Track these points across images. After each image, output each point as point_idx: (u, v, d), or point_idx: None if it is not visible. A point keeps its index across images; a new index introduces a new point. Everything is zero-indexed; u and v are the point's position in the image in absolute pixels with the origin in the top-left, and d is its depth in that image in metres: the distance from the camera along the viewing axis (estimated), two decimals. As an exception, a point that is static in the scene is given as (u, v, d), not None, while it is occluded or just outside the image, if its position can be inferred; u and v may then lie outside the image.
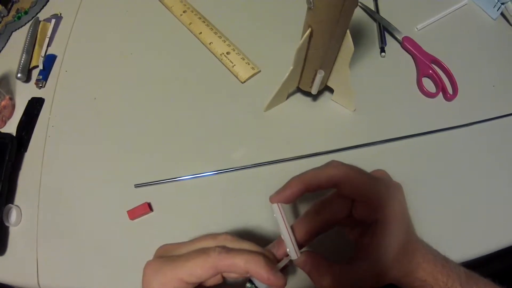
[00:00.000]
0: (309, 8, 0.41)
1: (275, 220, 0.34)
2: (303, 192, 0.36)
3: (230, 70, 0.59)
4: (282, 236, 0.35)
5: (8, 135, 0.51)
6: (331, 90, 0.56)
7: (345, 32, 0.45)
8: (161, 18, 0.65)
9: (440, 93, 0.61)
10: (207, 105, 0.57)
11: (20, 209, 0.48)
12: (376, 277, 0.35)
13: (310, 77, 0.51)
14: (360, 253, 0.36)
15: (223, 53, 0.59)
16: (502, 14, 0.72)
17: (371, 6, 0.70)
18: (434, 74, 0.61)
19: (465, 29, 0.69)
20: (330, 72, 0.52)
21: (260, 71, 0.60)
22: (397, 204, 0.35)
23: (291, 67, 0.48)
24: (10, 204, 0.47)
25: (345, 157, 0.50)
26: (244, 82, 0.59)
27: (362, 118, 0.55)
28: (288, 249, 0.35)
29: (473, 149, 0.54)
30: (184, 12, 0.65)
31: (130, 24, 0.65)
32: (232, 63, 0.59)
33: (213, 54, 0.60)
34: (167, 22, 0.65)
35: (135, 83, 0.58)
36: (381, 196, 0.35)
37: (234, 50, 0.60)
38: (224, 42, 0.61)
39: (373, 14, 0.69)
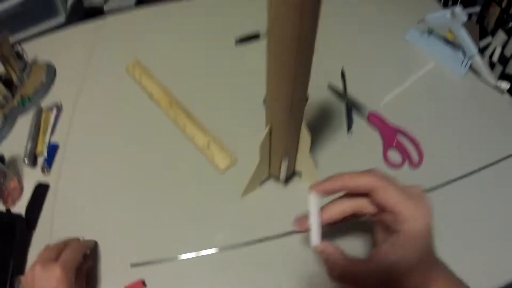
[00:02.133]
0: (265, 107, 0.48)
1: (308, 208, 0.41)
2: (341, 189, 0.40)
3: (211, 161, 0.67)
4: (309, 223, 0.41)
5: (19, 216, 0.61)
6: (300, 173, 0.62)
7: (300, 125, 0.50)
8: (151, 113, 0.76)
9: (406, 162, 0.63)
10: (192, 192, 0.64)
11: None
12: (381, 284, 0.37)
13: (278, 165, 0.57)
14: (376, 255, 0.38)
15: (205, 145, 0.69)
16: (470, 68, 0.76)
17: (340, 84, 0.76)
18: (399, 145, 0.65)
19: (432, 92, 0.74)
20: (295, 159, 0.58)
21: (236, 159, 0.67)
22: (423, 223, 0.37)
23: (258, 162, 0.56)
24: (20, 276, 0.54)
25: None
26: (224, 172, 0.66)
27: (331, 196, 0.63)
28: (312, 236, 0.41)
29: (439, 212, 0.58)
30: (170, 105, 0.75)
31: (122, 117, 0.76)
32: (213, 154, 0.67)
33: (197, 146, 0.69)
34: (157, 116, 0.74)
35: (128, 173, 0.67)
36: (410, 212, 0.37)
37: (214, 141, 0.69)
38: (205, 134, 0.70)
39: (341, 94, 0.74)
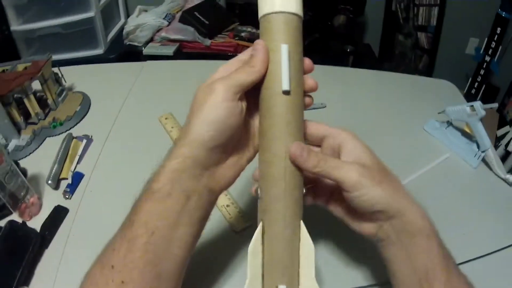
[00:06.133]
0: (259, 199, 0.42)
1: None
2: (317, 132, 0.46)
3: (227, 220, 0.68)
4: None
5: (34, 230, 0.63)
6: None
7: (299, 224, 0.41)
8: None
9: None
10: (207, 248, 0.62)
11: None
12: (357, 171, 0.41)
13: None
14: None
15: (224, 205, 0.70)
16: (483, 160, 0.79)
17: None
18: None
19: (444, 181, 0.76)
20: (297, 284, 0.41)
21: (251, 225, 0.66)
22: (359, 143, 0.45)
23: (247, 280, 0.40)
24: (25, 287, 0.57)
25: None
26: (238, 232, 0.66)
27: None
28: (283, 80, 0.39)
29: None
30: None
31: (148, 162, 0.75)
32: (230, 214, 0.68)
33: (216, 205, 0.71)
34: None
35: None
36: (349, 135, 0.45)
37: (233, 204, 0.70)
38: (226, 195, 0.71)
39: None
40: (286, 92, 0.39)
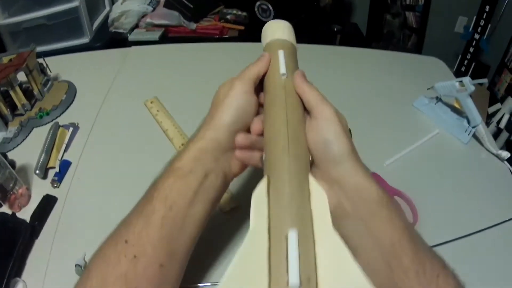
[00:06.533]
0: (264, 161, 0.44)
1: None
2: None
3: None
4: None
5: (24, 221, 0.63)
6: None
7: (307, 177, 0.40)
8: (164, 148, 0.78)
9: None
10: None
11: (26, 284, 0.56)
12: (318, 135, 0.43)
13: (284, 256, 0.32)
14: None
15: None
16: (474, 136, 0.79)
17: None
18: None
19: (434, 157, 0.77)
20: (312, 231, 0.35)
21: (239, 205, 0.66)
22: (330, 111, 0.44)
23: (249, 231, 0.34)
24: (17, 278, 0.56)
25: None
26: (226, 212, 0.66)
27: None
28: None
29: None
30: (182, 146, 0.75)
31: (135, 146, 0.79)
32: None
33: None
34: (169, 152, 0.66)
35: (135, 201, 0.67)
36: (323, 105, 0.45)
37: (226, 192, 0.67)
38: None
39: None
40: (283, 75, 0.48)
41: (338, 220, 0.41)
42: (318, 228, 0.35)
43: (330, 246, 0.33)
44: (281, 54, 0.50)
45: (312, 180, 0.40)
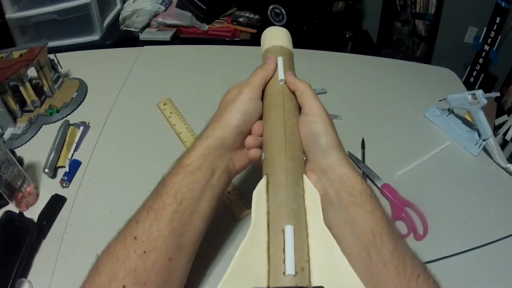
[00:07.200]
0: (263, 161, 0.48)
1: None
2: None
3: (228, 208, 0.67)
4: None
5: (32, 221, 0.62)
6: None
7: (302, 176, 0.44)
8: (176, 150, 0.73)
9: (411, 234, 0.64)
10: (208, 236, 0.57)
11: (32, 285, 0.56)
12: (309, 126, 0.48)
13: (280, 248, 0.37)
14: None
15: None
16: (484, 149, 0.80)
17: (358, 155, 0.78)
18: (406, 218, 0.66)
19: (445, 169, 0.77)
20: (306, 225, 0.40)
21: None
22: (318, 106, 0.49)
23: (251, 226, 0.39)
24: (23, 278, 0.56)
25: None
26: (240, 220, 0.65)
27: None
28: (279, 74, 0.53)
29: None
30: None
31: (147, 147, 0.78)
32: (231, 201, 0.67)
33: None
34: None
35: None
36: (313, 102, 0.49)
37: (234, 190, 0.69)
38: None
39: (358, 163, 0.76)
40: (281, 81, 0.53)
41: (323, 208, 0.43)
42: (311, 223, 0.40)
43: (321, 240, 0.39)
44: (280, 61, 0.54)
45: (306, 179, 0.44)
